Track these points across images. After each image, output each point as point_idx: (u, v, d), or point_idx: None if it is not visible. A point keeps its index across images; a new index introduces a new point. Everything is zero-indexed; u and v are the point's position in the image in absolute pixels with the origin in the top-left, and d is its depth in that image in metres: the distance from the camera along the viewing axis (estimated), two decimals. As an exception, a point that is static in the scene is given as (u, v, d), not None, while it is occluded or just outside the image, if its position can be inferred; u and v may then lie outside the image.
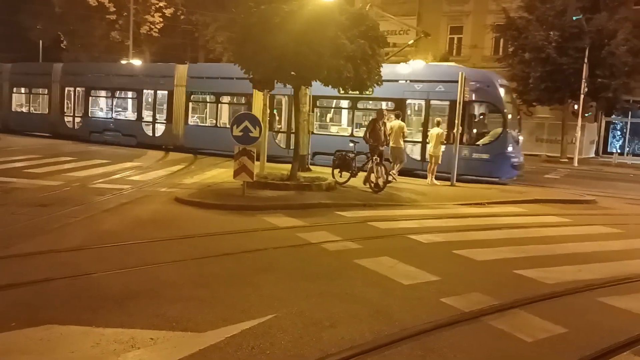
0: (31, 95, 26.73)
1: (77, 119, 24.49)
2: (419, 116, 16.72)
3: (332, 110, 19.18)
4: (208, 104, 21.62)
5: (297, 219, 8.99)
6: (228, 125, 19.73)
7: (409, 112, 16.77)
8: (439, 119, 15.25)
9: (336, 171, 13.31)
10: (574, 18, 24.24)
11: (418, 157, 16.23)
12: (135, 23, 35.01)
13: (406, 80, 16.54)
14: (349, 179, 12.98)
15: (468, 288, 5.61)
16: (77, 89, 24.50)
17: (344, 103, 18.11)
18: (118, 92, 23.97)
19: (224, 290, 5.29)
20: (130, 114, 23.70)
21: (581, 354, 4.11)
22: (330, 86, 12.00)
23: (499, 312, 4.95)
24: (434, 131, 14.63)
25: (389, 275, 6.00)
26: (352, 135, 16.91)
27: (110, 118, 23.61)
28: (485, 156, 15.46)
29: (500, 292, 5.55)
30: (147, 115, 22.44)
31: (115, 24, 36.78)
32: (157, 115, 22.19)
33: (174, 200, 10.23)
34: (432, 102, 16.20)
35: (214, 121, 20.76)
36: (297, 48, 10.55)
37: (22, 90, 27.09)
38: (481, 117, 16.29)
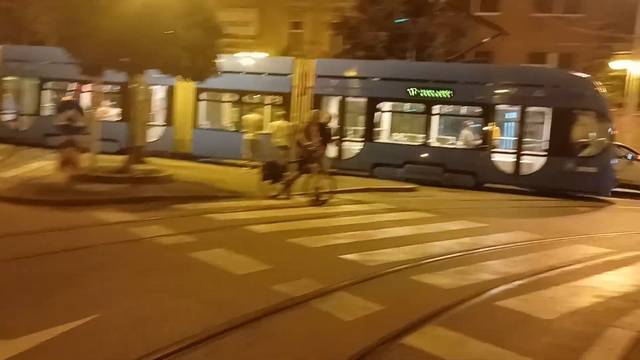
0: None
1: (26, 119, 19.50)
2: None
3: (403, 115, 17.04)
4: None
5: (129, 213, 8.64)
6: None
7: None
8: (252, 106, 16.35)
9: (266, 183, 11.17)
10: (397, 21, 26.37)
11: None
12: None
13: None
14: (282, 191, 11.34)
15: (298, 275, 5.87)
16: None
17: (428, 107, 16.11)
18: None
19: (43, 292, 4.92)
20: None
21: (393, 327, 4.55)
22: (168, 75, 11.74)
23: (324, 296, 5.28)
24: (251, 117, 15.74)
25: (222, 266, 6.06)
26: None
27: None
28: (592, 170, 14.30)
29: (327, 276, 5.90)
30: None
31: None
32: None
33: (-14, 197, 9.20)
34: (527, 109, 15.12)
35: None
36: (128, 34, 10.06)
37: None
38: (585, 126, 14.98)
